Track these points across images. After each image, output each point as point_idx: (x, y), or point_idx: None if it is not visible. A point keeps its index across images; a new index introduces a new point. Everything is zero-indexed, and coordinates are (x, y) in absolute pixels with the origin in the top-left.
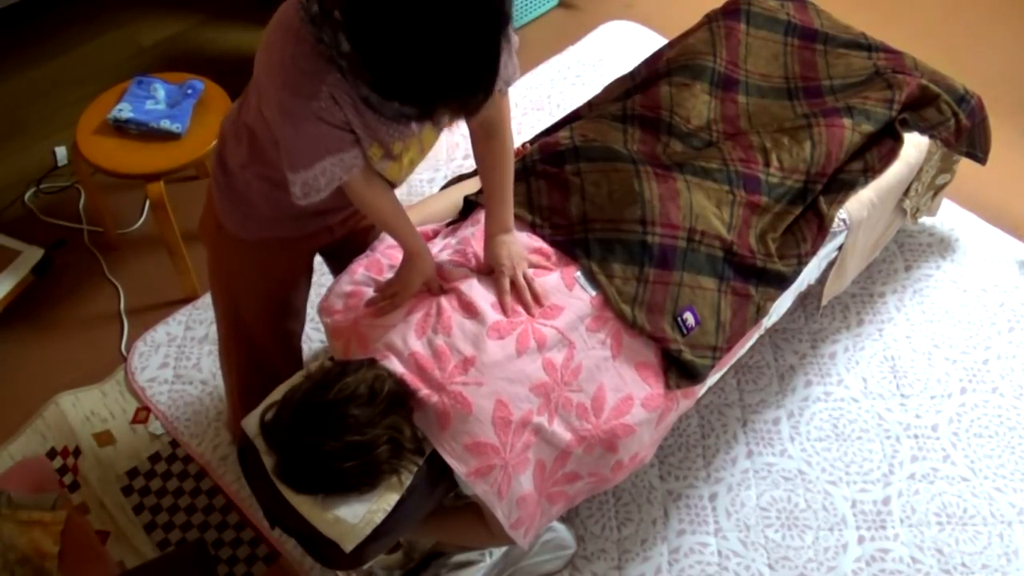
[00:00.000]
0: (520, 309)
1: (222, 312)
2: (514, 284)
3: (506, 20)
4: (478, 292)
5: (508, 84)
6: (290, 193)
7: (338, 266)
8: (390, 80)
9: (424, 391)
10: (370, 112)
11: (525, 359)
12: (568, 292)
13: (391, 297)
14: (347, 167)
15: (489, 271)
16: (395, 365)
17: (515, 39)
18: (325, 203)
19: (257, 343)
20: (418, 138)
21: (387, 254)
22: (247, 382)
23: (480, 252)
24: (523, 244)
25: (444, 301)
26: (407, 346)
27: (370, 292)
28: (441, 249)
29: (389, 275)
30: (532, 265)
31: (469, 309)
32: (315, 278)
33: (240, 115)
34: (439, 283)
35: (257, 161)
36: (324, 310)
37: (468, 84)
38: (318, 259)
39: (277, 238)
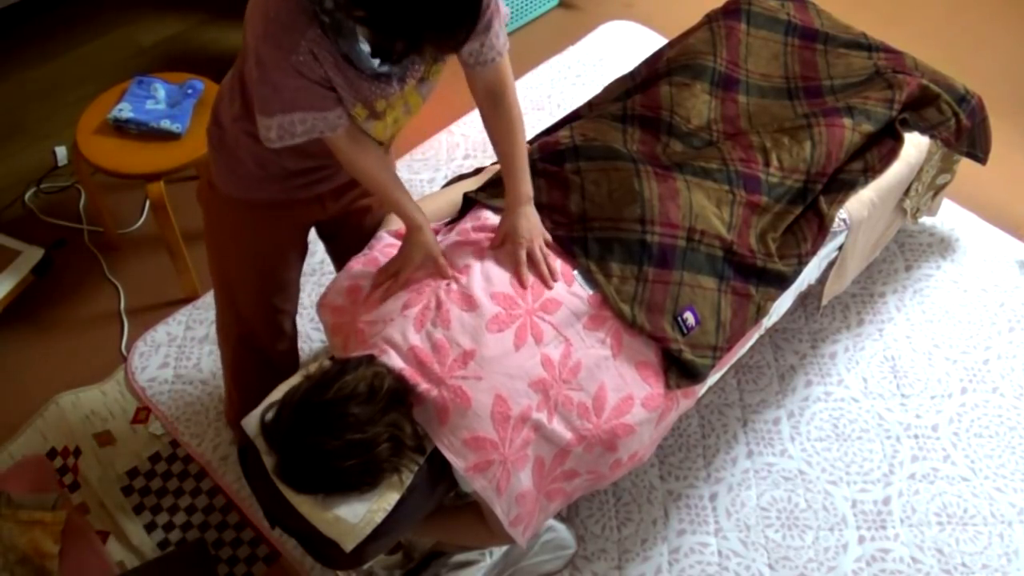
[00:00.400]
0: (519, 302)
1: (217, 281)
2: (531, 257)
3: None
4: (478, 283)
5: (501, 53)
6: (292, 150)
7: (336, 248)
8: (382, 11)
9: (424, 385)
10: (351, 70)
11: (523, 353)
12: (566, 288)
13: (394, 275)
14: (331, 126)
15: (499, 244)
16: (394, 360)
17: (505, 10)
18: (309, 161)
19: (246, 316)
20: (402, 97)
21: (385, 252)
22: (239, 362)
23: (478, 238)
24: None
25: (443, 294)
26: (406, 340)
27: (367, 288)
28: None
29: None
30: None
31: (468, 302)
32: (315, 277)
33: (237, 69)
34: (444, 262)
35: (247, 116)
36: (323, 307)
37: (454, 11)
38: (320, 265)
39: (265, 200)
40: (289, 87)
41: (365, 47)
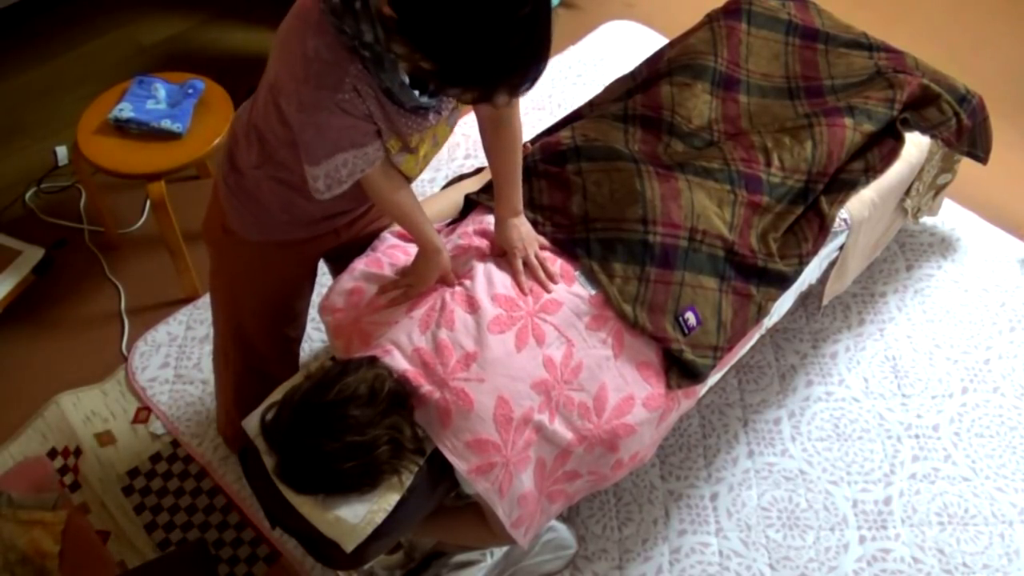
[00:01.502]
0: (521, 303)
1: (222, 315)
2: (527, 264)
3: None
4: (481, 286)
5: None
6: (309, 191)
7: (340, 268)
8: (455, 67)
9: (426, 387)
10: (390, 103)
11: (525, 355)
12: (567, 289)
13: (405, 288)
14: (370, 160)
15: (500, 254)
16: (398, 361)
17: None
18: (338, 204)
19: (256, 348)
20: (432, 131)
21: (388, 253)
22: (243, 386)
23: (480, 244)
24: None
25: (447, 296)
26: (411, 342)
27: (371, 289)
28: None
29: (389, 273)
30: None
31: (471, 303)
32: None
33: (250, 117)
34: (453, 279)
35: (269, 163)
36: (325, 308)
37: (531, 62)
38: (321, 266)
39: (285, 241)
40: (333, 127)
41: (406, 79)
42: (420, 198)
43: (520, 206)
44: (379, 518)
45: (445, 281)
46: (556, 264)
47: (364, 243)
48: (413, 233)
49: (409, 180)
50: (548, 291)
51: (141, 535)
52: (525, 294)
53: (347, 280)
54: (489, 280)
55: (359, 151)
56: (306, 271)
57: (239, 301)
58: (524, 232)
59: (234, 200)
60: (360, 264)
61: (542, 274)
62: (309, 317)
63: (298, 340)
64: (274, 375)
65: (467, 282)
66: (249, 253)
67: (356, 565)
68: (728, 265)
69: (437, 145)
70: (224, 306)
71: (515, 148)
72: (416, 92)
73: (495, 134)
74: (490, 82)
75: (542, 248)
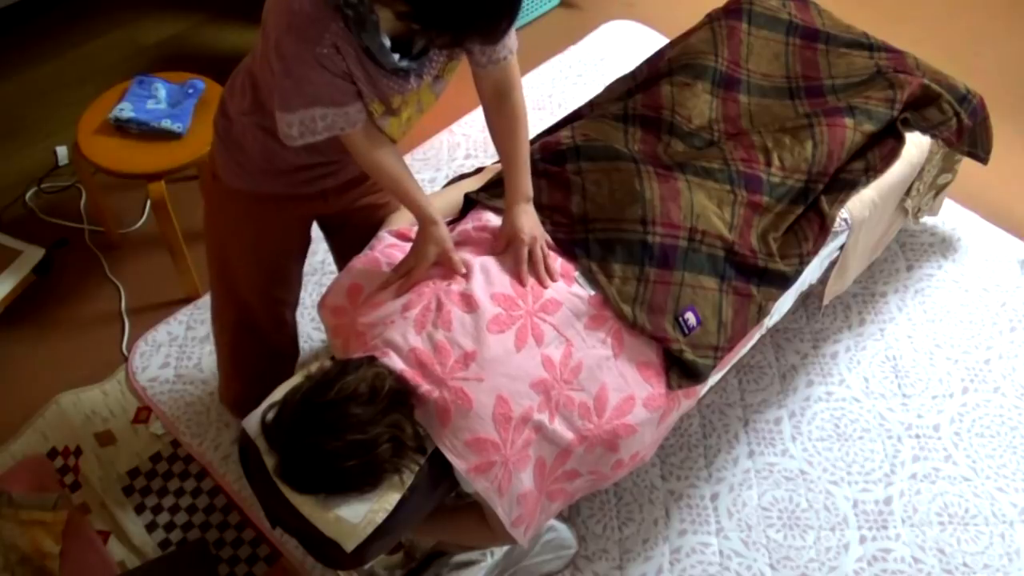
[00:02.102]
0: (520, 303)
1: (215, 271)
2: (531, 255)
3: None
4: (479, 283)
5: (512, 52)
6: (279, 135)
7: (338, 244)
8: (429, 6)
9: (425, 387)
10: (371, 64)
11: (524, 354)
12: (566, 289)
13: (406, 274)
14: (351, 120)
15: (505, 245)
16: (395, 362)
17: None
18: (316, 156)
19: (247, 304)
20: (416, 95)
21: (386, 252)
22: (238, 347)
23: (479, 240)
24: None
25: (443, 295)
26: (407, 342)
27: (369, 287)
28: None
29: (387, 271)
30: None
31: (469, 303)
32: (316, 277)
33: (249, 65)
34: (457, 257)
35: (258, 110)
36: (324, 307)
37: (500, 6)
38: (320, 259)
39: (268, 194)
40: (312, 81)
41: (387, 41)
42: None
43: (530, 191)
44: (380, 518)
45: (444, 257)
46: (557, 262)
47: (359, 216)
48: (404, 201)
49: (394, 143)
50: (545, 286)
51: (141, 535)
52: (524, 286)
53: (345, 279)
54: (488, 278)
55: (338, 109)
56: (295, 233)
57: (228, 255)
58: (534, 220)
59: (221, 146)
60: (358, 263)
61: (542, 269)
62: (309, 317)
63: (291, 305)
64: (267, 336)
65: (463, 280)
66: (235, 203)
67: (357, 565)
68: (728, 265)
69: (421, 111)
70: (216, 261)
71: (518, 129)
72: (396, 56)
73: (498, 112)
74: (461, 23)
75: (547, 244)
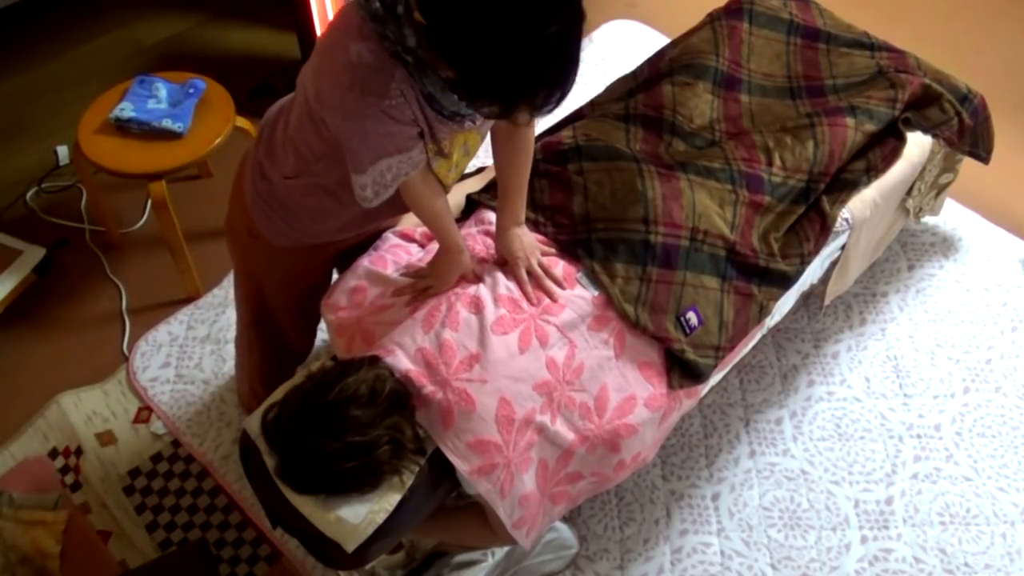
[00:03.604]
0: (524, 305)
1: (247, 308)
2: (531, 273)
3: (583, 18)
4: (485, 285)
5: None
6: (345, 196)
7: (350, 259)
8: (477, 77)
9: (429, 387)
10: (429, 109)
11: (528, 356)
12: (570, 290)
13: (424, 289)
14: (414, 163)
15: (502, 263)
16: (401, 361)
17: None
18: (374, 212)
19: (281, 332)
20: (463, 138)
21: (392, 252)
22: (267, 364)
23: (485, 243)
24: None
25: (453, 296)
26: (415, 342)
27: (374, 288)
28: None
29: (392, 271)
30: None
31: (476, 304)
32: None
33: (284, 133)
34: (478, 272)
35: (304, 172)
36: (328, 306)
37: (555, 81)
38: None
39: (312, 244)
40: (379, 133)
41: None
42: None
43: (523, 216)
44: (380, 518)
45: (467, 280)
46: (559, 267)
47: (372, 235)
48: (440, 235)
49: (444, 188)
50: (555, 300)
51: (142, 535)
52: (534, 304)
53: (350, 279)
54: (494, 280)
55: (404, 156)
56: (329, 265)
57: (264, 297)
58: (526, 242)
59: (264, 207)
60: (364, 263)
61: (548, 282)
62: None
63: (320, 318)
64: (297, 353)
65: (473, 283)
66: (275, 255)
67: (357, 565)
68: (730, 265)
69: (468, 154)
70: (248, 301)
71: (526, 160)
72: (456, 97)
73: (508, 144)
74: (510, 98)
75: (544, 254)
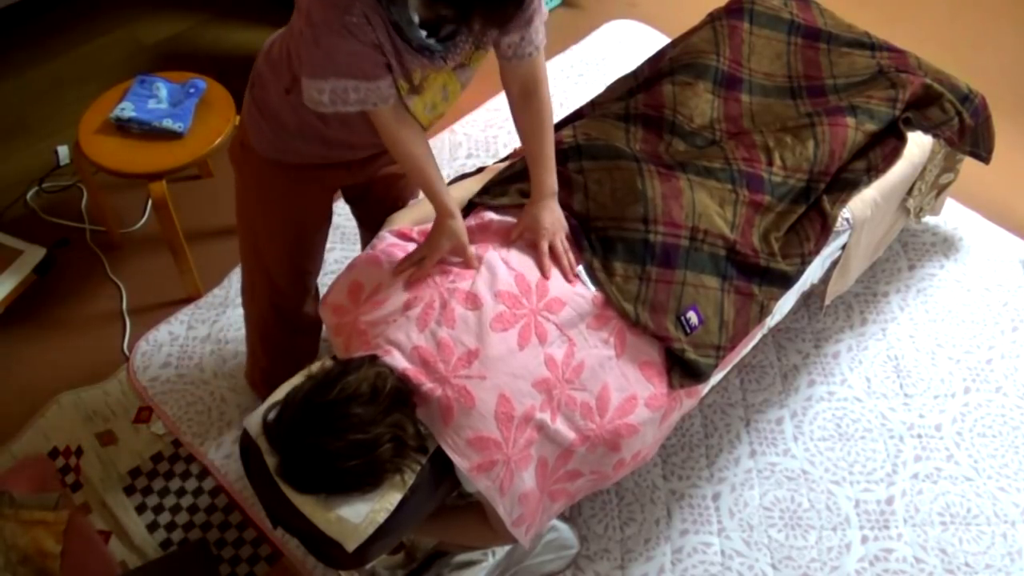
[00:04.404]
0: (524, 301)
1: (246, 246)
2: (553, 249)
3: None
4: (483, 281)
5: (538, 48)
6: (306, 100)
7: (362, 211)
8: None
9: (428, 385)
10: (399, 39)
11: (527, 353)
12: (570, 288)
13: (418, 262)
14: (382, 96)
15: (527, 236)
16: (398, 360)
17: (544, 11)
18: (356, 135)
19: (274, 276)
20: (440, 77)
21: (387, 251)
22: (267, 325)
23: (484, 237)
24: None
25: (447, 292)
26: (410, 340)
27: (370, 285)
28: None
29: (388, 270)
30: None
31: (473, 300)
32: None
33: (286, 39)
34: (471, 251)
35: (297, 88)
36: (325, 306)
37: None
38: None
39: (297, 163)
40: (342, 51)
41: (415, 17)
42: (422, 198)
43: (555, 187)
44: (381, 517)
45: (458, 251)
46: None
47: (381, 187)
48: (424, 188)
49: (423, 129)
50: (570, 281)
51: (143, 535)
52: (547, 277)
53: (346, 277)
54: (493, 275)
55: (371, 83)
56: (320, 204)
57: (257, 228)
58: (556, 216)
59: (256, 115)
60: (359, 261)
61: (566, 262)
62: None
63: (313, 274)
64: (294, 313)
65: (468, 278)
66: (263, 172)
67: (358, 565)
68: (730, 264)
69: (447, 99)
70: (244, 230)
71: (544, 125)
72: (424, 33)
73: (524, 109)
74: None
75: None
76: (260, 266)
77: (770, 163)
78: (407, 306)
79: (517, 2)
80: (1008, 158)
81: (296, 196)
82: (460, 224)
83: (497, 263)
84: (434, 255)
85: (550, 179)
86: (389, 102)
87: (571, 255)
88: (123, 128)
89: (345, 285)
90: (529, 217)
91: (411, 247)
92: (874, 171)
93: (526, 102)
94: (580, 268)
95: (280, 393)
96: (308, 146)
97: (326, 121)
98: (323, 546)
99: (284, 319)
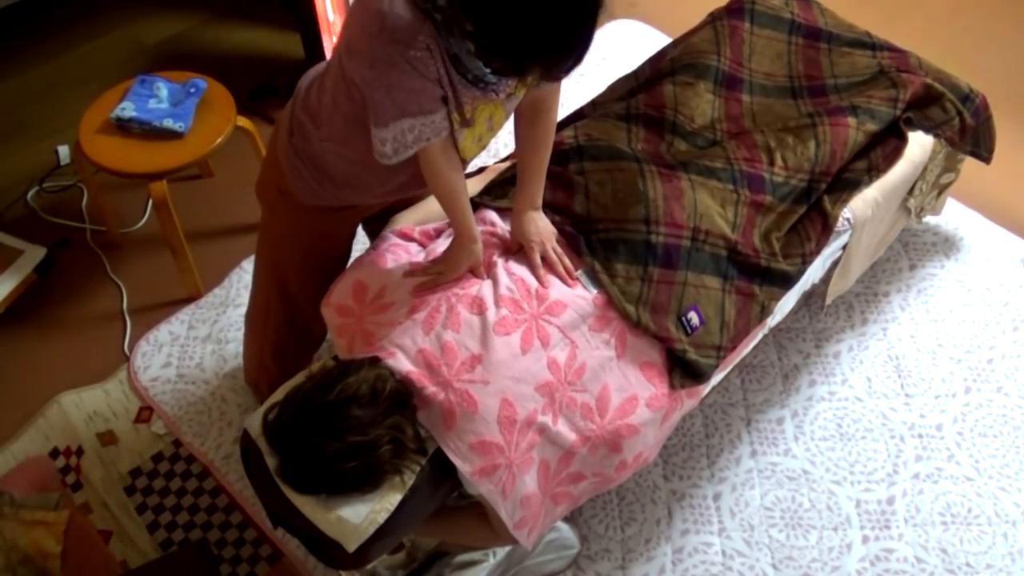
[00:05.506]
0: (525, 305)
1: (266, 271)
2: (545, 258)
3: None
4: (487, 286)
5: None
6: (374, 154)
7: (377, 228)
8: (493, 32)
9: (431, 388)
10: (454, 70)
11: (530, 357)
12: (571, 291)
13: (436, 275)
14: (436, 129)
15: (516, 248)
16: (402, 363)
17: None
18: (400, 177)
19: (297, 303)
20: (488, 111)
21: (391, 251)
22: (282, 340)
23: (487, 241)
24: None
25: (453, 297)
26: (415, 343)
27: (374, 286)
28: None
29: (392, 271)
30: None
31: (477, 305)
32: None
33: (319, 94)
34: (483, 272)
35: (334, 138)
36: (328, 306)
37: (567, 44)
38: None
39: (339, 206)
40: (403, 88)
41: (473, 48)
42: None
43: (540, 200)
44: (381, 518)
45: (475, 273)
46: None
47: (399, 204)
48: (454, 219)
49: (464, 163)
50: (569, 286)
51: (143, 535)
52: (545, 287)
53: (349, 278)
54: (495, 280)
55: (426, 118)
56: (350, 232)
57: (285, 259)
58: (541, 226)
59: (297, 164)
60: (362, 262)
61: (561, 268)
62: None
63: None
64: (311, 330)
65: (474, 283)
66: (300, 215)
67: (358, 565)
68: (731, 265)
69: (492, 130)
70: (269, 263)
71: (546, 145)
72: (481, 63)
73: (531, 125)
74: (524, 56)
75: (557, 241)
76: (281, 293)
77: (771, 163)
78: (413, 310)
79: (578, 59)
80: (1009, 158)
81: (332, 232)
82: (480, 248)
83: (499, 269)
84: (451, 274)
85: (537, 193)
86: (442, 135)
87: (566, 260)
88: (124, 128)
89: (349, 285)
90: (516, 231)
91: (413, 247)
92: (875, 171)
93: (535, 117)
94: (580, 272)
95: (280, 393)
96: (354, 193)
97: (371, 168)
98: (324, 546)
99: (298, 334)
